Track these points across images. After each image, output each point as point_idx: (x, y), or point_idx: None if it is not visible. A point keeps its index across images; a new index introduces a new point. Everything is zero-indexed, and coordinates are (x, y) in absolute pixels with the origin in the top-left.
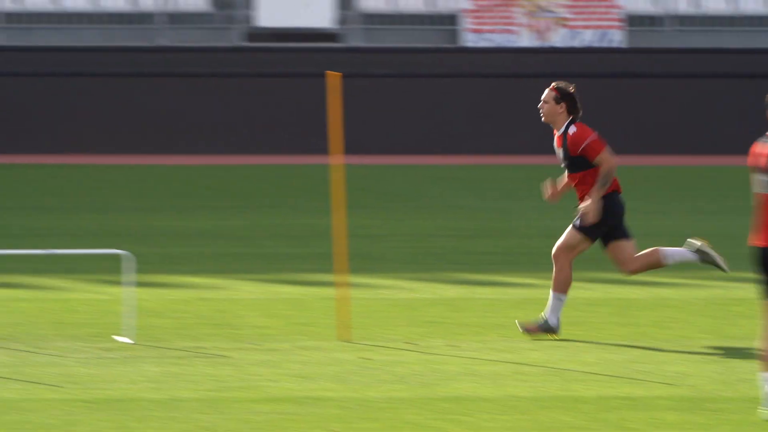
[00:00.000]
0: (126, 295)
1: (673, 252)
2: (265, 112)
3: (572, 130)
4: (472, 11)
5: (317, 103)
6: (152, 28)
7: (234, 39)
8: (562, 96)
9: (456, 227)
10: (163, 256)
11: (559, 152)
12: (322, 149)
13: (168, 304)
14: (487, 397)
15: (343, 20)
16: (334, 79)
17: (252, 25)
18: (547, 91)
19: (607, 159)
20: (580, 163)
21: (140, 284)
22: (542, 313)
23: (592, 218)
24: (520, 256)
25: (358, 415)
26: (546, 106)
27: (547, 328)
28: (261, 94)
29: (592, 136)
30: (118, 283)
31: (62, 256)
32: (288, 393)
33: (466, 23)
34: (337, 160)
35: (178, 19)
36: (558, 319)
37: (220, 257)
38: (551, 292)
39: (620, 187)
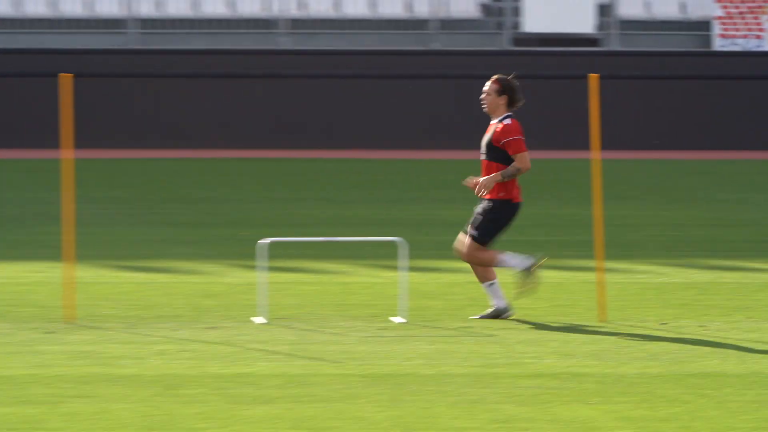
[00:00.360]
0: (401, 279)
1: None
2: (530, 110)
3: (506, 121)
4: (722, 18)
5: (578, 102)
6: (426, 33)
7: (503, 43)
8: (503, 88)
9: (705, 217)
10: (435, 243)
11: (485, 138)
12: (583, 145)
13: (440, 287)
14: (733, 373)
15: (602, 26)
16: (593, 81)
17: (519, 31)
18: (489, 83)
19: (524, 159)
20: (497, 153)
21: (414, 269)
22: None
23: (483, 188)
24: (763, 244)
25: (614, 390)
26: (488, 98)
27: (499, 313)
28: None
29: (520, 135)
30: (393, 268)
31: (343, 244)
32: (550, 369)
33: (717, 29)
34: (596, 155)
35: (449, 25)
36: (505, 301)
37: None
38: (482, 286)
39: (520, 196)
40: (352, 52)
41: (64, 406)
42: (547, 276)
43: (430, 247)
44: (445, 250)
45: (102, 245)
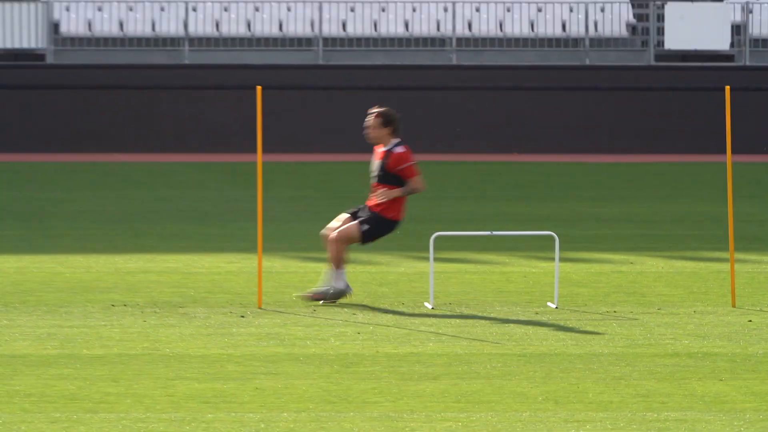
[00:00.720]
0: (554, 269)
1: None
2: (672, 119)
3: (398, 149)
4: None
5: (715, 111)
6: (580, 51)
7: (648, 59)
8: (386, 120)
9: None
10: (585, 237)
11: (376, 164)
12: (718, 149)
13: (589, 276)
14: None
15: (736, 44)
16: (728, 93)
17: (662, 48)
18: (371, 117)
19: (419, 182)
20: (391, 178)
21: (566, 260)
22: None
23: (384, 196)
24: None
25: (743, 368)
26: (373, 130)
27: (336, 295)
28: (669, 105)
29: (412, 161)
30: (546, 258)
31: (503, 237)
32: (686, 349)
33: None
34: (729, 159)
35: (599, 42)
36: (345, 283)
37: (632, 238)
38: (329, 267)
39: (401, 215)
40: (513, 67)
41: (254, 382)
42: (685, 266)
43: (579, 240)
44: (594, 243)
45: (289, 239)
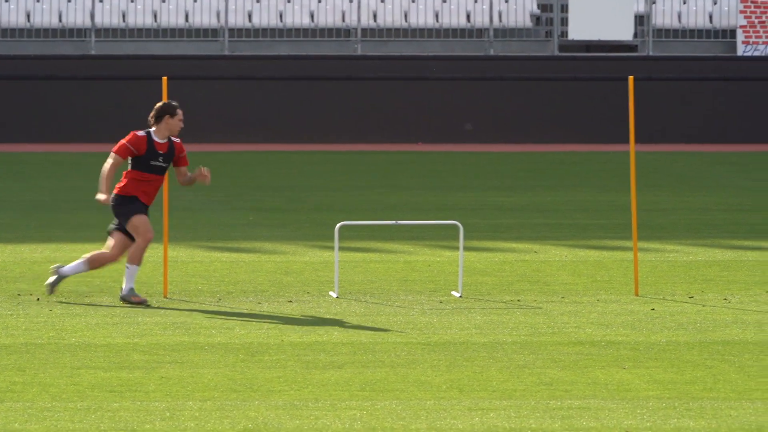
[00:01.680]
0: (459, 258)
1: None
2: (577, 109)
3: (176, 140)
4: (745, 26)
5: (619, 102)
6: (485, 41)
7: (552, 50)
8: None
9: (729, 203)
10: (490, 226)
11: (162, 156)
12: (621, 139)
13: (493, 265)
14: (752, 341)
15: (639, 34)
16: (631, 83)
17: (565, 39)
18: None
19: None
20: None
21: (470, 249)
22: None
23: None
24: None
25: (646, 356)
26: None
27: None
28: (574, 95)
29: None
30: (450, 247)
31: (407, 227)
32: (589, 337)
33: (741, 37)
34: (632, 148)
35: (503, 33)
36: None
37: (537, 227)
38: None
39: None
40: (418, 57)
41: (159, 371)
42: (589, 255)
43: (484, 230)
44: (498, 232)
45: (196, 228)
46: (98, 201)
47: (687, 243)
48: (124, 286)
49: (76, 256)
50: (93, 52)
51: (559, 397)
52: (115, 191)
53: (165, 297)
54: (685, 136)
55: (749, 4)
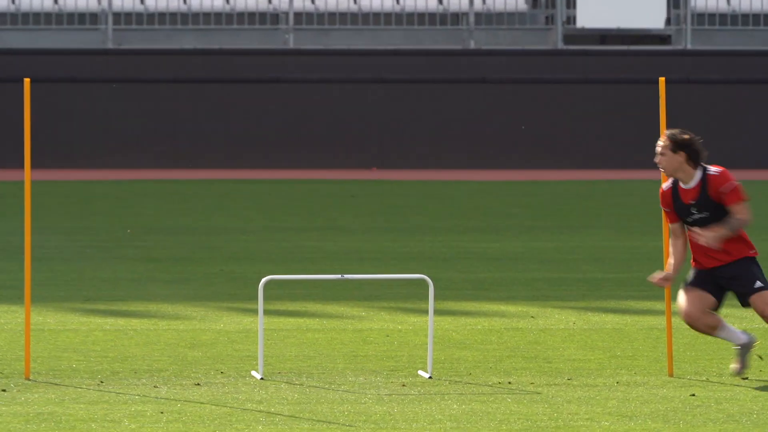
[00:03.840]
0: (426, 325)
1: None
2: (580, 121)
3: (713, 171)
4: None
5: (642, 112)
6: (462, 30)
7: (553, 41)
8: (677, 145)
9: None
10: (469, 281)
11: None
12: (645, 162)
13: (473, 334)
14: None
15: (674, 21)
16: (662, 85)
17: (572, 26)
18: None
19: (745, 209)
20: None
21: (442, 312)
22: None
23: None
24: None
25: None
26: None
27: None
28: (576, 100)
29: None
30: (417, 311)
31: (358, 283)
32: None
33: None
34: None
35: (488, 19)
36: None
37: (533, 282)
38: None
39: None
40: (372, 52)
41: None
42: (604, 321)
43: (461, 286)
44: (481, 290)
45: (67, 284)
46: None
47: (738, 304)
48: None
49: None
50: None
51: None
52: None
53: (27, 378)
54: (734, 158)
55: None
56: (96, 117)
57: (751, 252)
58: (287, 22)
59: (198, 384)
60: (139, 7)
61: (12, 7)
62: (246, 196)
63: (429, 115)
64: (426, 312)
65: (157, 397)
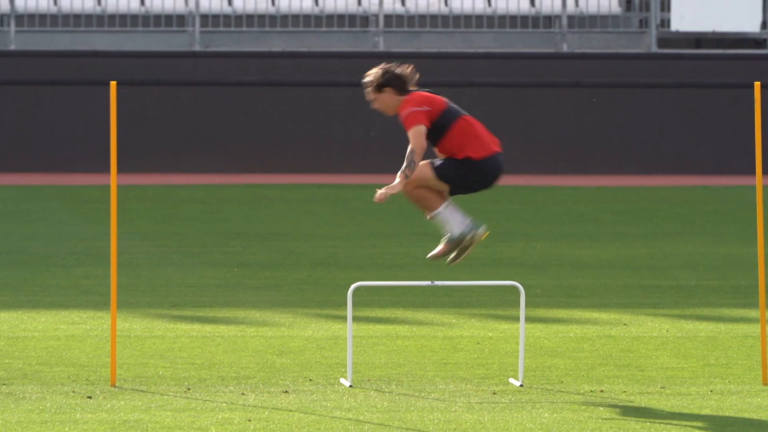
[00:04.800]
0: (519, 332)
1: None
2: (674, 126)
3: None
4: None
5: (738, 118)
6: (555, 33)
7: (647, 45)
8: (378, 86)
9: None
10: (562, 288)
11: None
12: (742, 167)
13: (565, 341)
14: None
15: None
16: (756, 92)
17: (666, 29)
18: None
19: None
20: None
21: (533, 319)
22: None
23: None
24: None
25: None
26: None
27: (458, 241)
28: (670, 105)
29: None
30: (508, 318)
31: (448, 289)
32: None
33: None
34: (760, 181)
35: (580, 22)
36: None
37: (626, 289)
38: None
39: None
40: (462, 55)
41: None
42: (699, 329)
43: (554, 293)
44: (573, 297)
45: (153, 290)
46: None
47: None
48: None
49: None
50: (12, 47)
51: None
52: None
53: (113, 386)
54: None
55: None
56: (182, 120)
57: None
58: (377, 25)
59: (286, 391)
60: (227, 9)
61: (98, 9)
62: (333, 201)
63: (520, 119)
64: (517, 319)
65: (244, 405)
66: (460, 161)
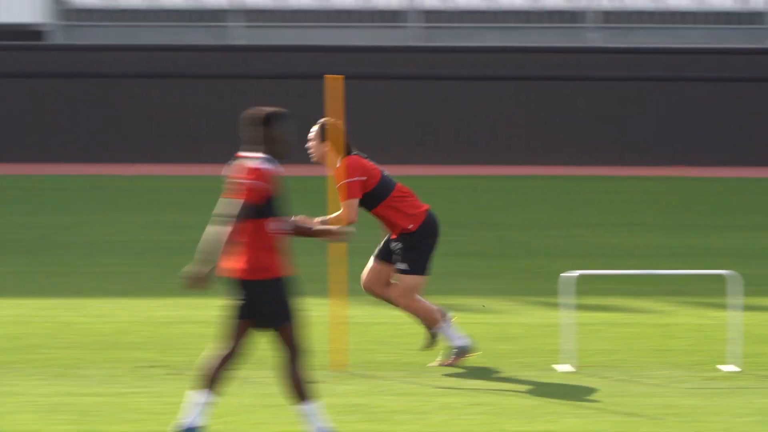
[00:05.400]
0: (732, 320)
1: None
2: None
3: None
4: None
5: None
6: (761, 29)
7: None
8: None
9: None
10: None
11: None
12: None
13: None
14: None
15: None
16: None
17: None
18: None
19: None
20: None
21: (749, 307)
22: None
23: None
24: None
25: None
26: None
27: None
28: None
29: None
30: (722, 306)
31: (662, 278)
32: None
33: None
34: None
35: None
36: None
37: None
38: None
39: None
40: (672, 50)
41: None
42: None
43: (767, 282)
44: None
45: None
46: None
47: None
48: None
49: (214, 315)
50: (235, 42)
51: None
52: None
53: (338, 370)
54: None
55: None
56: (398, 112)
57: None
58: (594, 21)
59: (505, 379)
60: (449, 5)
61: (322, 5)
62: (543, 191)
63: (725, 114)
64: (731, 308)
65: (468, 389)
66: (414, 248)
